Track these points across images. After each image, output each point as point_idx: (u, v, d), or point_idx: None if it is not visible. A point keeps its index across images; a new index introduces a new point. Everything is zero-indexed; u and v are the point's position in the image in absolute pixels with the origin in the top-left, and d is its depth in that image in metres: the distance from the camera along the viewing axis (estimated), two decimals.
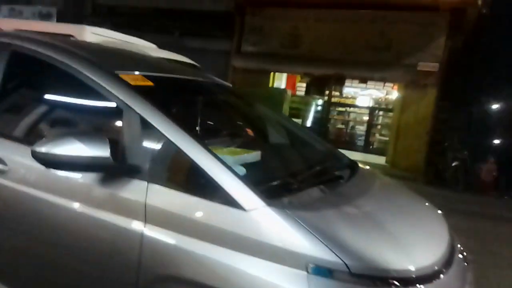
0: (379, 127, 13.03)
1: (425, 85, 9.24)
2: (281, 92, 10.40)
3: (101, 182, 1.80)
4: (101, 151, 1.70)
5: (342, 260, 1.52)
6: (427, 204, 2.43)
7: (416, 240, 1.85)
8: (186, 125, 1.89)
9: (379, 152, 11.68)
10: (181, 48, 9.51)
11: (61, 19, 9.48)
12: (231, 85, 3.41)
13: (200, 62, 5.75)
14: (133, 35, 5.08)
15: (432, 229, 2.10)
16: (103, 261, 1.80)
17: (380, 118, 13.02)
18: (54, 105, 2.33)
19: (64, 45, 2.18)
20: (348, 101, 13.19)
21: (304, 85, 11.55)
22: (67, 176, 1.87)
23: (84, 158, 1.69)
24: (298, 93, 12.35)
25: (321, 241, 1.56)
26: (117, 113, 1.88)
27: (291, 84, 12.23)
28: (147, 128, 1.84)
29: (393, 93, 12.03)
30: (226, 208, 1.65)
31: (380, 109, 13.04)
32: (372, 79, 10.60)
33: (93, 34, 5.33)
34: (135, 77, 2.08)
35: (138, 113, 1.83)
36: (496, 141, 15.07)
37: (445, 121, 10.53)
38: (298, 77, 12.20)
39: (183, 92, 2.70)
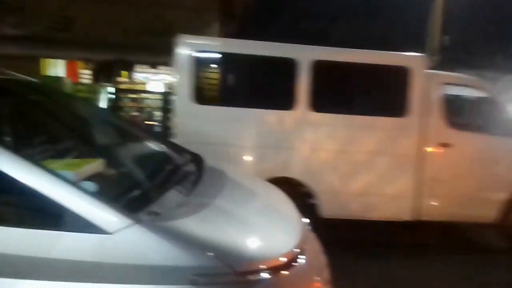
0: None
1: None
2: (56, 80, 9.32)
3: None
4: None
5: (226, 263, 1.48)
6: (274, 188, 2.59)
7: (278, 228, 1.96)
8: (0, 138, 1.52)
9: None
10: None
11: None
12: (35, 80, 2.74)
13: None
14: None
15: (286, 211, 2.24)
16: None
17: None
18: None
19: None
20: (140, 87, 12.87)
21: (89, 72, 10.74)
22: None
23: None
24: (83, 81, 11.35)
25: (201, 249, 1.46)
26: None
27: (72, 71, 11.12)
28: None
29: None
30: (83, 236, 1.38)
31: (172, 94, 13.21)
32: (157, 63, 10.59)
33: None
34: None
35: None
36: None
37: None
38: (81, 64, 11.19)
39: None
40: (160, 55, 10.10)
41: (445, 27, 11.11)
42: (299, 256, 1.81)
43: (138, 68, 10.76)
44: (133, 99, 13.09)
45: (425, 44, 11.40)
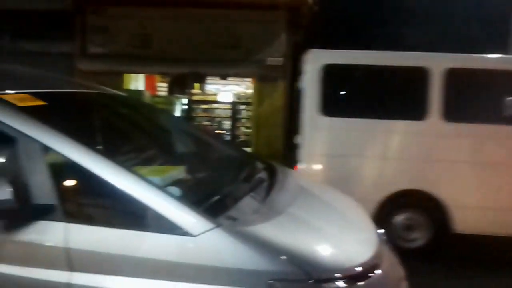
0: (242, 120, 13.54)
1: (275, 78, 9.90)
2: (137, 93, 10.05)
3: (6, 230, 1.48)
4: None
5: (303, 269, 1.51)
6: (347, 197, 2.59)
7: (354, 238, 1.96)
8: (97, 146, 1.70)
9: (245, 144, 12.15)
10: (16, 52, 8.46)
11: None
12: (123, 94, 3.10)
13: (40, 66, 5.18)
14: None
15: (361, 222, 2.25)
16: None
17: (243, 112, 13.55)
18: None
19: None
20: (211, 98, 13.39)
21: (165, 85, 11.39)
22: None
23: None
24: (160, 93, 12.09)
25: (279, 255, 1.51)
26: (8, 143, 1.55)
27: (150, 85, 11.87)
28: (52, 156, 1.57)
29: (251, 88, 12.63)
30: (169, 237, 1.49)
31: (241, 103, 13.56)
32: (228, 75, 10.95)
33: None
34: (21, 96, 1.75)
35: (37, 141, 1.54)
36: None
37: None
38: (158, 78, 11.93)
39: (82, 108, 2.36)
40: (229, 67, 10.49)
41: None
42: (375, 268, 1.77)
43: (209, 80, 11.21)
44: (205, 109, 13.73)
45: (508, 44, 10.51)
